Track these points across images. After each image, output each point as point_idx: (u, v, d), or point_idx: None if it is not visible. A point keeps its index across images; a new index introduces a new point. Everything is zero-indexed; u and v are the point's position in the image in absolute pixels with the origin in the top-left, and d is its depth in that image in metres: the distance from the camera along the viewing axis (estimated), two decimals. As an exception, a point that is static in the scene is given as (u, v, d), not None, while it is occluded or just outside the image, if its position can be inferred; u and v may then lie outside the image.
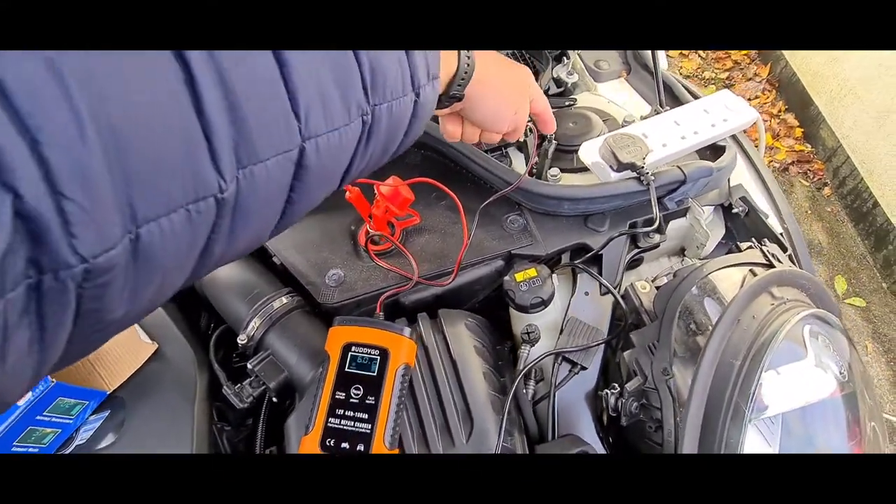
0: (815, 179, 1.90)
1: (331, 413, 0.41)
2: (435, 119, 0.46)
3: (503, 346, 0.59)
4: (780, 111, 2.09)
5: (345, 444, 0.40)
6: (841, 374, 0.41)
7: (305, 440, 0.41)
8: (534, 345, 0.53)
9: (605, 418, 0.50)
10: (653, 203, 0.50)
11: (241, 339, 0.52)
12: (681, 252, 0.63)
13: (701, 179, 0.54)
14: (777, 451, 0.41)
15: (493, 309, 0.60)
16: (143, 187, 0.19)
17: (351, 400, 0.42)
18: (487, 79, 0.42)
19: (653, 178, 0.51)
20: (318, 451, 0.40)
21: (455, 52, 0.39)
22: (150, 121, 0.19)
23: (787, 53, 2.06)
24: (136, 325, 0.53)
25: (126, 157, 0.18)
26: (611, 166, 0.52)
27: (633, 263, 0.62)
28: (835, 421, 0.44)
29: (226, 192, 0.22)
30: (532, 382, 0.53)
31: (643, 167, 0.51)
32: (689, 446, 0.39)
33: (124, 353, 0.53)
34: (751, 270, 0.46)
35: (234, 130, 0.22)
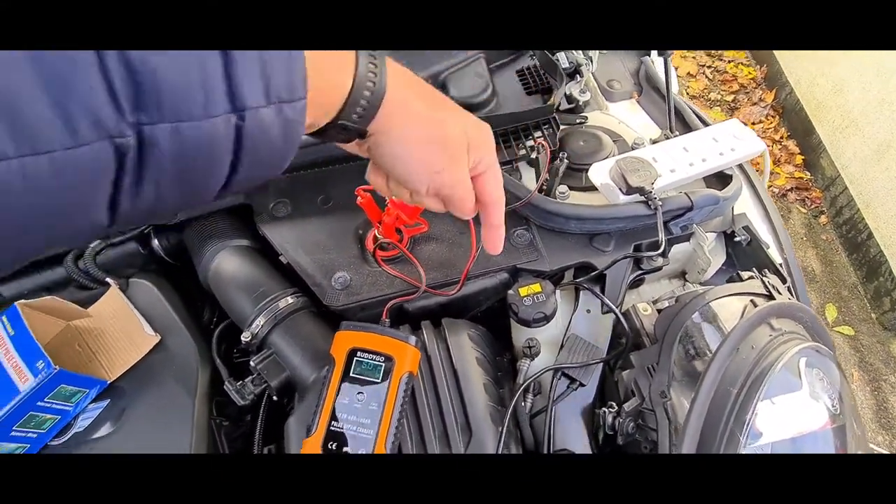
0: (812, 207, 1.93)
1: (334, 417, 0.42)
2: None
3: (503, 356, 0.60)
4: (782, 137, 2.12)
5: (346, 449, 0.41)
6: (833, 406, 0.42)
7: (308, 442, 0.41)
8: (534, 359, 0.54)
9: (600, 436, 0.51)
10: (659, 229, 0.51)
11: (245, 337, 0.52)
12: (682, 275, 0.65)
13: (707, 207, 0.55)
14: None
15: (494, 318, 0.61)
16: None
17: (355, 405, 0.42)
18: (405, 114, 0.32)
19: (661, 203, 0.52)
20: (319, 453, 0.41)
21: (352, 63, 0.29)
22: None
23: (792, 81, 2.09)
24: (139, 317, 0.54)
25: None
26: (620, 189, 0.53)
27: (635, 283, 0.63)
28: (824, 452, 0.45)
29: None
30: (530, 395, 0.54)
31: (651, 192, 0.52)
32: (683, 470, 0.40)
33: (127, 344, 0.53)
34: (752, 301, 0.47)
35: None
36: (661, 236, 0.50)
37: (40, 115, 0.19)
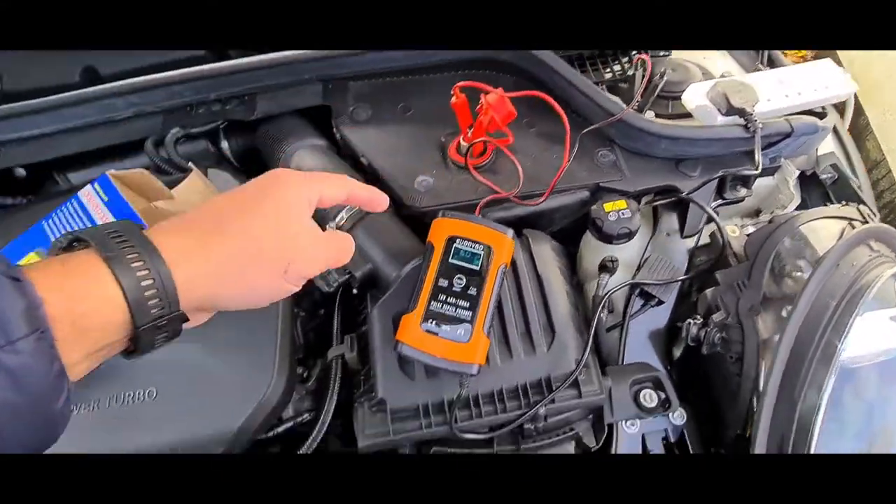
0: (847, 192, 1.90)
1: (433, 297, 0.43)
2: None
3: (572, 278, 0.60)
4: (823, 120, 2.07)
5: (445, 327, 0.42)
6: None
7: (407, 318, 0.42)
8: (612, 275, 0.54)
9: (675, 353, 0.52)
10: (756, 150, 0.50)
11: (330, 227, 0.52)
12: (755, 214, 0.64)
13: (802, 137, 0.54)
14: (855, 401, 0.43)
15: (562, 243, 0.61)
16: None
17: (453, 288, 0.43)
18: (211, 260, 0.28)
19: (761, 125, 0.51)
20: (419, 329, 0.41)
21: (101, 270, 0.24)
22: None
23: (844, 60, 2.02)
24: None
25: None
26: (719, 109, 0.52)
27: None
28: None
29: None
30: (605, 312, 0.55)
31: (752, 114, 0.51)
32: (776, 378, 0.41)
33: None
34: (850, 223, 0.46)
35: None
36: (758, 157, 0.49)
37: None
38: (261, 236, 0.29)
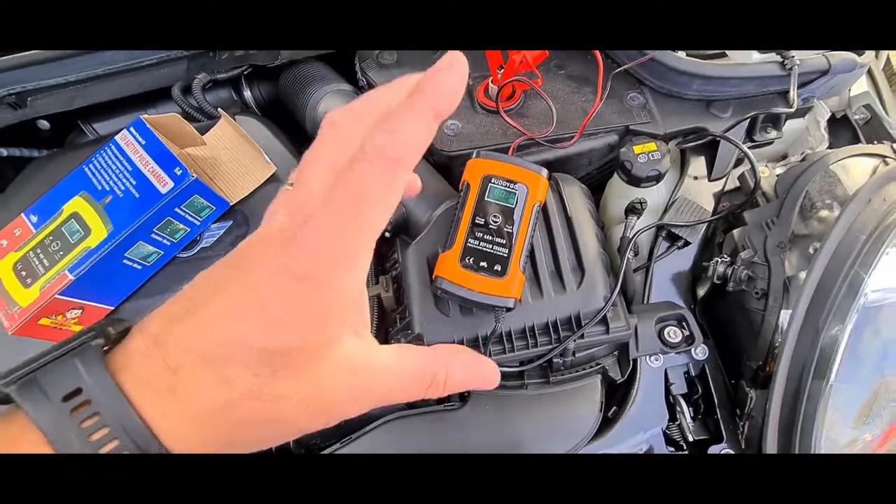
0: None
1: (470, 235, 0.44)
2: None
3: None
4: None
5: (483, 263, 0.43)
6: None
7: (445, 256, 0.44)
8: (639, 217, 0.55)
9: (699, 293, 0.53)
10: (792, 87, 0.50)
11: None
12: (781, 158, 0.64)
13: (840, 74, 0.53)
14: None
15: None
16: None
17: (490, 226, 0.44)
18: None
19: (798, 62, 0.50)
20: (457, 266, 0.43)
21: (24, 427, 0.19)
22: None
23: None
24: (256, 146, 0.54)
25: None
26: (755, 46, 0.51)
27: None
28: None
29: None
30: (631, 254, 0.56)
31: (789, 50, 0.50)
32: (803, 307, 0.43)
33: (242, 172, 0.54)
34: (883, 160, 0.46)
35: None
36: (793, 95, 0.49)
37: None
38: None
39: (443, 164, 0.56)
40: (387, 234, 0.54)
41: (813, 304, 0.43)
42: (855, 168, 0.47)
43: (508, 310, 0.43)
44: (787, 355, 0.43)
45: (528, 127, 0.55)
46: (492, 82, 0.55)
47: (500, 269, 0.43)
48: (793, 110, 0.50)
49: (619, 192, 0.59)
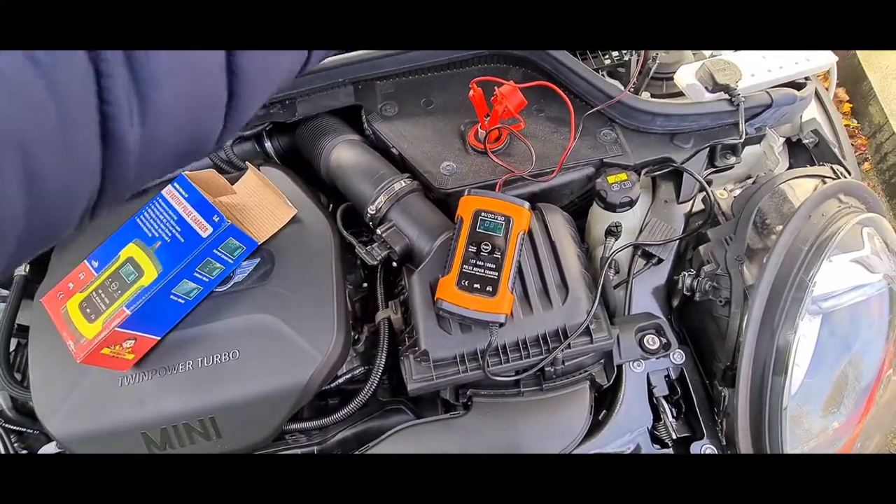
0: (857, 154, 1.92)
1: (465, 261, 0.51)
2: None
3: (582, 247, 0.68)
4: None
5: (477, 285, 0.50)
6: (890, 265, 0.50)
7: (444, 280, 0.51)
8: (617, 239, 0.62)
9: (674, 303, 0.60)
10: (740, 121, 0.57)
11: (371, 210, 0.61)
12: (745, 179, 0.71)
13: (784, 107, 0.61)
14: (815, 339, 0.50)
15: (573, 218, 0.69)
16: None
17: (482, 253, 0.51)
18: None
19: (743, 99, 0.58)
20: (454, 288, 0.50)
21: None
22: None
23: (847, 26, 2.02)
24: (278, 192, 0.62)
25: None
26: (706, 87, 0.59)
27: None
28: (878, 321, 0.52)
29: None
30: (612, 272, 0.62)
31: (735, 89, 0.58)
32: (757, 311, 0.49)
33: (268, 215, 0.63)
34: (822, 180, 0.53)
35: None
36: (742, 127, 0.56)
37: None
38: None
39: (441, 200, 0.64)
40: (394, 264, 0.62)
41: (767, 309, 0.49)
42: (799, 187, 0.54)
43: (501, 325, 0.50)
44: (749, 354, 0.49)
45: (514, 164, 0.63)
46: (480, 128, 0.64)
47: (491, 289, 0.50)
48: (741, 140, 0.57)
49: (599, 217, 0.66)
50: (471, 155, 0.65)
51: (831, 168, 0.56)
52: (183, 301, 0.57)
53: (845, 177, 0.55)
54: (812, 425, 0.54)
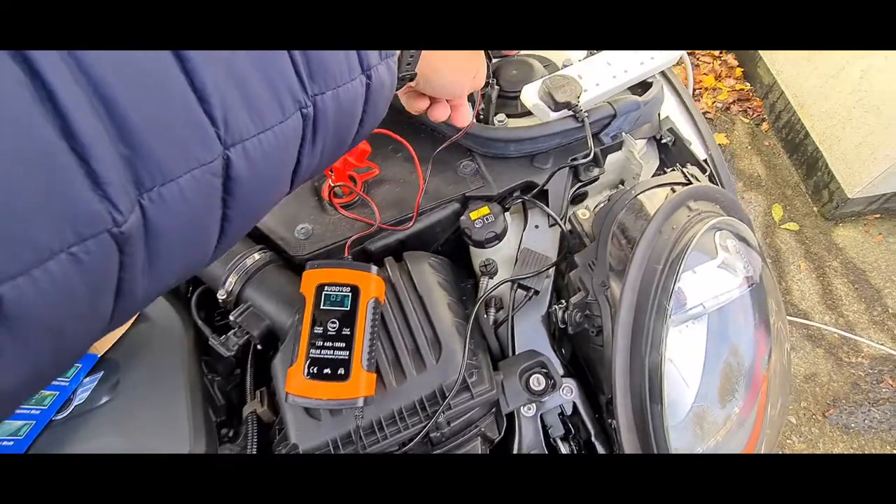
0: (754, 116, 2.01)
1: (311, 345, 0.46)
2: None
3: (466, 282, 0.65)
4: (721, 53, 2.17)
5: (327, 370, 0.45)
6: (747, 269, 0.49)
7: (291, 371, 0.46)
8: (492, 276, 0.59)
9: (556, 333, 0.57)
10: (588, 138, 0.55)
11: (221, 295, 0.55)
12: (620, 184, 0.70)
13: (631, 113, 0.59)
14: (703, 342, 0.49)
15: (457, 251, 0.65)
16: None
17: (328, 332, 0.47)
18: (437, 52, 0.39)
19: (587, 114, 0.56)
20: (303, 378, 0.45)
21: None
22: None
23: (726, -7, 2.12)
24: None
25: None
26: (549, 106, 0.57)
27: (580, 198, 0.68)
28: (744, 312, 0.52)
29: (124, 224, 0.19)
30: (493, 310, 0.59)
31: (577, 105, 0.56)
32: (623, 342, 0.47)
33: (108, 320, 0.56)
34: (671, 188, 0.52)
35: (124, 147, 0.18)
36: (591, 144, 0.54)
37: (261, 95, 0.23)
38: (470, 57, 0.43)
39: (301, 268, 0.59)
40: (258, 347, 0.56)
41: (634, 335, 0.47)
42: (652, 199, 0.52)
43: (360, 408, 0.46)
44: (623, 386, 0.46)
45: (373, 214, 0.59)
46: (331, 181, 0.59)
47: (343, 372, 0.45)
48: (591, 158, 0.55)
49: (476, 253, 0.63)
50: (328, 212, 0.60)
51: (682, 172, 0.55)
52: (11, 443, 0.49)
53: (697, 178, 0.54)
54: (716, 417, 0.53)
